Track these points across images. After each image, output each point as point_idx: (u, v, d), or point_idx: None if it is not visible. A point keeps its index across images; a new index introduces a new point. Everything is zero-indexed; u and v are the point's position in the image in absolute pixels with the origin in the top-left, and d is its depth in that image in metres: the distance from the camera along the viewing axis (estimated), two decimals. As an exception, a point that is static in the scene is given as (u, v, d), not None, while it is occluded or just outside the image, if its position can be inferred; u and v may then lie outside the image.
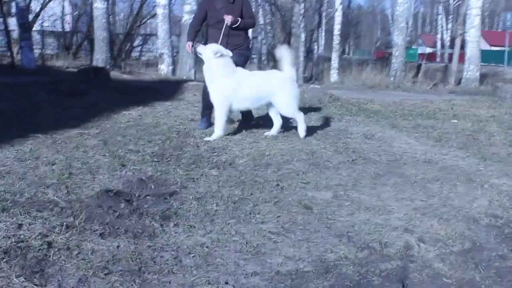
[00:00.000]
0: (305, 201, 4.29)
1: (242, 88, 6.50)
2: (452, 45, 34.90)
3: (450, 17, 49.20)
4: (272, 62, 23.92)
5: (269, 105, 6.80)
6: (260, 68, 24.67)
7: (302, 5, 23.84)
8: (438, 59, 49.85)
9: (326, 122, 8.08)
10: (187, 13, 16.80)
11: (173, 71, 17.32)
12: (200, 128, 7.06)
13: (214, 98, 6.56)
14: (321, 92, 11.01)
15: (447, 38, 50.92)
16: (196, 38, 7.40)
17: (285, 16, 27.00)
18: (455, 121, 9.09)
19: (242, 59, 7.18)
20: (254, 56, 34.80)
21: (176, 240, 3.40)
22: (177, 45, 19.49)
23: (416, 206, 4.38)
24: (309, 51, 27.48)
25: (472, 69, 18.61)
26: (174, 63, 17.78)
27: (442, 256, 3.43)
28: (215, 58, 6.49)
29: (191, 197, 4.21)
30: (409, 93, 15.40)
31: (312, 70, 26.65)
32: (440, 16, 52.64)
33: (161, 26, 17.61)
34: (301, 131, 6.71)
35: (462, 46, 21.51)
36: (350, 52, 70.30)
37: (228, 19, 6.99)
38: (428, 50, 57.45)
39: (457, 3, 40.81)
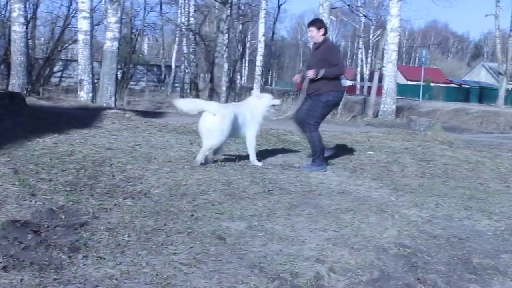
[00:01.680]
0: (219, 232, 4.28)
1: None
2: (371, 79, 36.02)
3: (370, 51, 50.85)
4: (195, 91, 23.99)
5: None
6: (182, 96, 24.66)
7: (226, 35, 24.07)
8: (357, 92, 51.32)
9: (245, 152, 8.11)
10: (110, 39, 16.66)
11: (93, 98, 17.04)
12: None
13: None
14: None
15: (366, 72, 52.58)
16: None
17: (209, 45, 27.18)
18: (371, 152, 9.33)
19: (316, 104, 7.26)
20: (177, 85, 34.81)
21: (84, 273, 3.32)
22: (98, 71, 19.22)
23: (328, 236, 4.45)
24: (232, 81, 27.69)
25: (389, 102, 19.25)
26: (95, 90, 17.51)
27: (351, 286, 3.50)
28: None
29: (102, 228, 4.13)
30: (328, 125, 15.68)
31: (234, 100, 26.83)
32: (360, 50, 54.34)
33: (82, 52, 17.33)
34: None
35: (380, 80, 22.24)
36: (273, 83, 71.36)
37: (309, 74, 7.20)
38: (349, 82, 59.02)
39: (376, 39, 42.25)
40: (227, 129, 6.83)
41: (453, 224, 5.16)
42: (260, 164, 7.22)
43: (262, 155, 8.02)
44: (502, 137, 15.99)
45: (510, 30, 41.50)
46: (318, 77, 7.14)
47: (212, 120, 6.78)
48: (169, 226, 4.33)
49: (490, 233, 5.02)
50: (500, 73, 41.90)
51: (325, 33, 7.43)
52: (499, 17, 41.39)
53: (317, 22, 7.54)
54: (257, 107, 7.32)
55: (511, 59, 40.92)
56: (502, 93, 40.72)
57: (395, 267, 3.90)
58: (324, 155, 7.47)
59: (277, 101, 7.66)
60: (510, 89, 45.12)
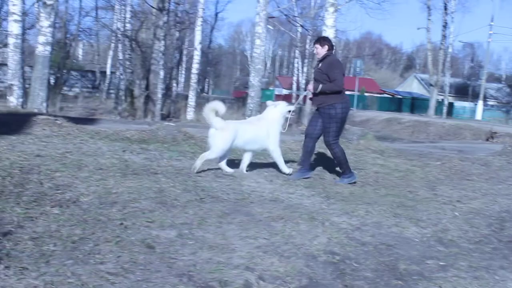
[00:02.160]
0: (148, 240, 4.23)
1: None
2: (306, 88, 36.49)
3: (306, 60, 51.40)
4: (130, 98, 23.70)
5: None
6: (117, 103, 24.33)
7: (163, 42, 23.89)
8: (293, 101, 51.78)
9: (178, 160, 8.07)
10: (42, 44, 16.26)
11: (24, 103, 16.58)
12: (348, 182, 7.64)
13: None
14: (176, 130, 11.00)
15: (302, 81, 53.10)
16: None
17: (145, 52, 26.90)
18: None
19: (327, 121, 7.60)
20: (112, 91, 34.28)
21: (5, 284, 3.21)
22: (30, 76, 18.70)
23: (259, 244, 4.46)
24: (168, 89, 27.49)
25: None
26: (26, 95, 17.04)
27: (280, 294, 3.51)
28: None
29: (26, 237, 4.01)
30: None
31: (170, 108, 26.65)
32: (296, 60, 54.88)
33: (12, 56, 16.83)
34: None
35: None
36: (209, 91, 71.30)
37: (309, 88, 7.75)
38: (285, 91, 59.58)
39: (313, 48, 42.80)
40: (226, 144, 7.32)
41: (381, 231, 5.27)
42: (289, 170, 7.79)
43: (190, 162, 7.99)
44: (431, 146, 16.42)
45: (441, 43, 42.96)
46: (317, 92, 7.58)
47: (212, 133, 7.33)
48: (97, 235, 4.25)
49: (417, 240, 5.15)
50: (431, 84, 43.29)
51: (329, 49, 7.71)
52: (430, 30, 42.86)
53: (321, 40, 7.86)
54: (273, 118, 7.77)
55: (441, 71, 42.32)
56: (432, 104, 42.07)
57: (323, 274, 3.94)
58: (348, 165, 7.84)
59: (292, 107, 8.01)
60: (440, 100, 46.52)
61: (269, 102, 8.09)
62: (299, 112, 27.83)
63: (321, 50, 7.70)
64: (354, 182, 7.68)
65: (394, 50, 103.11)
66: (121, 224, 4.59)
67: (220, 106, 7.24)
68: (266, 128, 7.66)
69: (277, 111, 7.80)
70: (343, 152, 7.74)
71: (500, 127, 27.53)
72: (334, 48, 7.91)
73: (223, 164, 7.60)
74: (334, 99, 7.53)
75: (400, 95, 64.45)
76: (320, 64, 7.72)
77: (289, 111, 7.89)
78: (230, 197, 6.03)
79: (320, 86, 7.51)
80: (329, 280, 3.85)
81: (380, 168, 9.17)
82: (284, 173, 7.67)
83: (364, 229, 5.26)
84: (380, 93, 65.91)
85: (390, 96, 64.56)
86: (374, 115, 32.79)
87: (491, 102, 61.53)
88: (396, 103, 56.62)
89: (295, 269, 3.92)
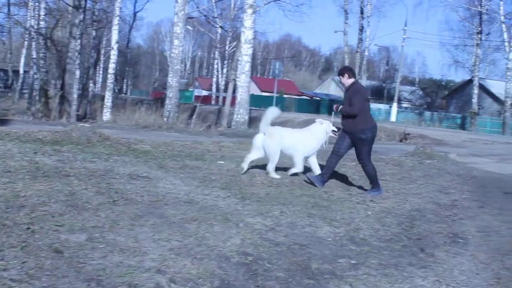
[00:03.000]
0: (57, 245, 4.09)
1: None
2: (226, 89, 36.49)
3: (226, 62, 51.47)
4: (44, 98, 22.97)
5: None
6: (30, 103, 23.54)
7: (79, 41, 23.30)
8: (213, 102, 51.81)
9: (92, 162, 7.89)
10: None
11: None
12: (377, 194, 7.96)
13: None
14: (91, 131, 10.77)
15: (222, 82, 53.15)
16: None
17: (61, 51, 26.17)
18: (222, 162, 9.42)
19: (360, 144, 7.99)
20: (25, 91, 33.18)
21: None
22: None
23: (172, 246, 4.41)
24: (84, 89, 26.86)
25: (242, 113, 19.56)
26: None
27: (191, 296, 3.48)
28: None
29: None
30: (181, 134, 15.73)
31: (86, 108, 26.04)
32: (216, 61, 54.86)
33: None
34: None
35: (235, 90, 22.55)
36: (128, 92, 70.23)
37: (334, 108, 8.38)
38: (204, 92, 59.47)
39: (232, 50, 42.89)
40: (278, 147, 8.32)
41: (295, 232, 5.32)
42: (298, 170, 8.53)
43: (110, 164, 7.84)
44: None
45: (357, 46, 44.03)
46: (337, 111, 8.25)
47: (264, 140, 8.36)
48: (2, 240, 4.07)
49: (330, 239, 5.24)
50: (347, 87, 44.11)
51: (352, 77, 8.22)
52: (347, 34, 43.78)
53: (344, 71, 8.31)
54: (316, 132, 8.55)
55: (358, 73, 43.34)
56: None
57: (236, 275, 3.94)
58: (378, 181, 8.20)
59: (335, 128, 8.54)
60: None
61: (317, 120, 8.82)
62: (218, 113, 27.83)
63: (346, 80, 8.18)
64: (379, 195, 7.96)
65: (312, 52, 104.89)
66: (28, 228, 4.42)
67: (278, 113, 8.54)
68: (305, 138, 8.48)
69: (322, 128, 8.57)
70: (375, 169, 8.14)
71: (413, 128, 28.51)
72: (356, 75, 8.54)
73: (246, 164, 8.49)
74: (362, 124, 7.94)
75: (318, 97, 65.57)
76: (347, 91, 8.21)
77: (334, 131, 8.51)
78: (144, 199, 5.95)
79: (341, 107, 8.10)
80: (241, 281, 3.85)
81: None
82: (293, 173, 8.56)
83: (278, 229, 5.30)
84: (299, 95, 66.84)
85: (309, 98, 65.58)
86: (293, 116, 33.17)
87: (405, 104, 63.64)
88: (315, 105, 57.54)
89: (207, 271, 3.90)
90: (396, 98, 49.55)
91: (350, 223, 5.95)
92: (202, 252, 4.31)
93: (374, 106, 55.33)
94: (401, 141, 23.19)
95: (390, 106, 50.57)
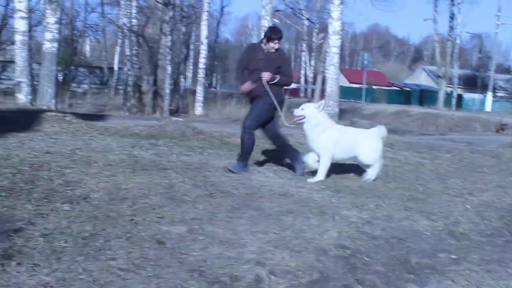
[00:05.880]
0: (159, 236, 4.23)
1: (343, 140, 7.35)
2: (314, 81, 36.40)
3: (313, 54, 51.27)
4: (138, 94, 23.70)
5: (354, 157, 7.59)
6: (125, 99, 24.32)
7: (169, 37, 23.88)
8: (301, 95, 51.76)
9: (187, 155, 8.07)
10: (49, 40, 16.29)
11: (33, 100, 16.63)
12: (235, 171, 7.13)
13: (324, 147, 7.28)
14: (185, 125, 11.02)
15: (310, 74, 53.05)
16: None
17: (152, 48, 26.88)
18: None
19: (264, 106, 7.41)
20: (120, 87, 34.31)
21: (18, 280, 3.22)
22: (37, 73, 18.75)
23: (269, 238, 4.45)
24: (176, 84, 27.48)
25: (331, 105, 19.42)
26: (34, 92, 17.09)
27: (292, 288, 3.50)
28: (319, 112, 7.33)
29: (38, 234, 4.01)
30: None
31: (178, 103, 26.65)
32: (303, 53, 54.73)
33: (19, 53, 16.90)
34: (371, 174, 7.50)
35: (324, 82, 22.45)
36: (217, 86, 71.22)
37: (265, 76, 7.30)
38: (292, 85, 59.47)
39: (320, 41, 42.63)
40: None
41: (392, 225, 5.24)
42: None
43: (204, 157, 7.99)
44: (441, 138, 16.34)
45: (448, 34, 42.70)
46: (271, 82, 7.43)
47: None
48: (108, 231, 4.25)
49: (428, 233, 5.12)
50: (439, 76, 43.00)
51: None
52: (437, 22, 42.53)
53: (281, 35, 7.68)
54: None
55: (450, 62, 42.06)
56: (441, 96, 41.77)
57: (334, 268, 3.93)
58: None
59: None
60: (449, 92, 46.26)
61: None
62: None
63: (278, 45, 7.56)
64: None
65: (401, 42, 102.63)
66: (131, 220, 4.59)
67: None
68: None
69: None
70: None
71: (510, 118, 27.38)
72: None
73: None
74: (278, 89, 7.56)
75: (408, 88, 64.20)
76: (274, 58, 7.53)
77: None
78: (239, 191, 6.03)
79: (277, 78, 7.41)
80: (340, 274, 3.83)
81: (390, 161, 9.12)
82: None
83: (374, 222, 5.24)
84: (389, 86, 65.67)
85: (399, 89, 64.32)
86: (383, 108, 32.66)
87: (500, 94, 61.15)
88: (405, 96, 56.42)
89: (306, 264, 3.91)
90: (490, 87, 47.77)
91: (448, 216, 5.79)
92: (299, 245, 4.33)
93: (467, 96, 53.68)
94: (497, 132, 22.35)
95: (485, 96, 48.84)
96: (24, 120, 10.60)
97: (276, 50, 7.50)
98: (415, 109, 32.23)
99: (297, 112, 7.37)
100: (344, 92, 40.01)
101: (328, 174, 7.57)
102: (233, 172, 7.08)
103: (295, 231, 4.70)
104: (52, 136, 8.81)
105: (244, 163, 7.35)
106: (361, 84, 40.82)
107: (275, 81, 7.38)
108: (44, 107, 14.65)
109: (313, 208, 5.52)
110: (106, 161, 7.00)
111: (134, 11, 26.75)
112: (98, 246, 3.90)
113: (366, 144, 7.47)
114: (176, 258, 3.82)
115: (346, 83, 59.50)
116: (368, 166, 7.53)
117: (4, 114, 11.73)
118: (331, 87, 19.68)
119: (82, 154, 7.46)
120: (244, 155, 7.38)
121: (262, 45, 7.50)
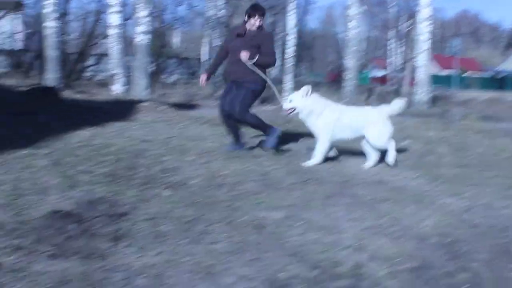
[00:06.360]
0: (257, 221, 4.30)
1: (343, 120, 6.89)
2: (403, 69, 35.67)
3: (401, 41, 50.18)
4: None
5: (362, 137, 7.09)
6: (213, 89, 24.66)
7: (256, 27, 23.99)
8: (390, 83, 50.79)
9: (283, 142, 8.10)
10: (141, 33, 16.78)
11: (127, 91, 17.19)
12: (273, 146, 7.30)
13: (321, 128, 6.91)
14: (275, 114, 11.09)
15: (398, 62, 51.94)
16: (215, 72, 7.85)
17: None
18: (406, 142, 9.24)
19: (247, 95, 7.32)
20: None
21: (127, 261, 3.37)
22: (131, 65, 19.35)
23: (366, 225, 4.42)
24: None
25: (421, 93, 19.03)
26: (128, 83, 17.65)
27: (393, 274, 3.48)
28: (308, 98, 6.92)
29: (142, 218, 4.18)
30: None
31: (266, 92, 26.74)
32: (391, 41, 53.65)
33: (113, 46, 17.51)
34: (390, 158, 6.95)
35: (413, 70, 21.99)
36: (304, 75, 71.05)
37: (243, 55, 7.16)
38: (380, 73, 58.48)
39: (408, 29, 41.70)
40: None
41: (492, 214, 5.09)
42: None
43: (298, 145, 8.02)
44: (540, 126, 15.69)
45: (546, 17, 40.67)
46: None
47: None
48: (208, 216, 4.36)
49: (530, 222, 4.95)
50: (535, 61, 41.07)
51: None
52: (533, 5, 40.56)
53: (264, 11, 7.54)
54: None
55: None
56: (538, 82, 39.88)
57: (435, 256, 3.86)
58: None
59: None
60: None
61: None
62: (396, 93, 27.31)
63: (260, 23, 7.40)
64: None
65: (493, 27, 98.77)
66: (229, 206, 4.69)
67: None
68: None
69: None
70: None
71: None
72: None
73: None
74: (256, 76, 7.38)
75: (502, 74, 61.79)
76: (254, 36, 7.38)
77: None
78: (333, 179, 6.02)
79: (257, 57, 7.26)
80: (442, 261, 3.77)
81: (486, 149, 8.86)
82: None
83: (473, 211, 5.10)
84: (481, 72, 63.46)
85: (492, 75, 62.04)
86: (476, 95, 31.59)
87: None
88: (498, 82, 54.37)
89: (405, 251, 3.87)
90: None
91: (551, 205, 5.57)
92: (397, 232, 4.29)
93: None
94: None
95: None
96: (120, 110, 11.01)
97: (258, 28, 7.34)
98: (510, 96, 30.98)
99: (286, 105, 7.04)
100: (435, 79, 38.99)
101: (420, 162, 7.44)
102: (272, 148, 7.21)
103: (391, 219, 4.65)
104: (147, 125, 9.10)
105: (272, 133, 7.33)
106: (452, 70, 39.63)
107: (253, 61, 7.19)
108: (138, 98, 15.11)
109: (408, 196, 5.45)
110: (200, 149, 7.17)
111: (220, 2, 27.09)
112: (199, 230, 4.01)
113: (374, 125, 6.97)
114: (276, 242, 3.88)
115: (436, 70, 57.92)
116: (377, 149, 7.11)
117: (101, 105, 12.22)
118: (421, 75, 19.28)
119: (177, 142, 7.68)
120: (263, 128, 7.42)
121: (247, 25, 7.36)
